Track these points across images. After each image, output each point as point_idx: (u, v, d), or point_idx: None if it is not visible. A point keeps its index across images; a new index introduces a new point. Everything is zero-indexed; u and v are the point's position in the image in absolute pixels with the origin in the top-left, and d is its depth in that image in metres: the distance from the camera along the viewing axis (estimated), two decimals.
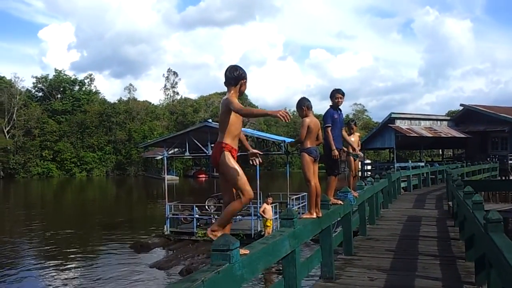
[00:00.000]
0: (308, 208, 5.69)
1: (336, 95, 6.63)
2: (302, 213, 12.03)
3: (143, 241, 16.62)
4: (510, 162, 34.43)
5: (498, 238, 3.75)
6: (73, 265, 14.67)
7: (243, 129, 4.17)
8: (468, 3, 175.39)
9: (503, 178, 32.45)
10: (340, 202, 6.86)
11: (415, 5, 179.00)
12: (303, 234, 4.86)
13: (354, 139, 8.76)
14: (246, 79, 3.80)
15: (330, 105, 6.66)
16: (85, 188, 55.59)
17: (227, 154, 3.59)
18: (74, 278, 13.15)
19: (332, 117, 6.49)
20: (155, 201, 34.26)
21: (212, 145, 17.25)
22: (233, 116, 3.64)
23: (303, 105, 5.63)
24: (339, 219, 7.19)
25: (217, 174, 3.79)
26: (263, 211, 15.01)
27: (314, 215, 5.52)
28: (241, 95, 3.93)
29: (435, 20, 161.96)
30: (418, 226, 10.59)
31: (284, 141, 17.50)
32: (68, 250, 16.69)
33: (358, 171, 9.50)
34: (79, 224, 23.65)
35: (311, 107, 5.72)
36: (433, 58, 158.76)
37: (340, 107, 6.71)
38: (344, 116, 7.04)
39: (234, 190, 3.67)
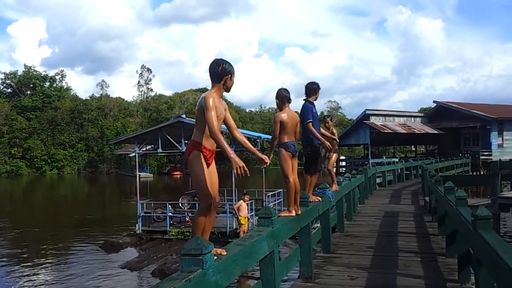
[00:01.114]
0: (287, 205, 5.42)
1: (319, 91, 6.41)
2: (278, 210, 11.75)
3: (114, 240, 16.08)
4: (481, 157, 35.07)
5: (490, 236, 3.54)
6: (41, 265, 14.05)
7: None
8: (440, 3, 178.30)
9: (475, 173, 33.05)
10: (318, 198, 6.63)
11: (388, 4, 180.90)
12: (282, 233, 4.58)
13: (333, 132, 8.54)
14: (231, 74, 3.52)
15: (307, 100, 6.36)
16: (56, 186, 54.15)
17: (197, 154, 3.36)
18: (41, 278, 12.58)
19: (311, 111, 6.22)
20: (128, 199, 33.48)
21: (186, 141, 16.84)
22: None
23: (280, 96, 5.42)
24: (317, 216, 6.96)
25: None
26: (238, 208, 14.71)
27: (293, 213, 5.26)
28: (228, 91, 3.62)
29: (408, 19, 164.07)
30: (396, 222, 10.50)
31: (260, 137, 17.22)
32: (36, 250, 16.02)
33: (334, 167, 9.22)
34: (48, 223, 22.89)
35: (289, 100, 5.45)
36: (406, 57, 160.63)
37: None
38: (318, 113, 6.79)
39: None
